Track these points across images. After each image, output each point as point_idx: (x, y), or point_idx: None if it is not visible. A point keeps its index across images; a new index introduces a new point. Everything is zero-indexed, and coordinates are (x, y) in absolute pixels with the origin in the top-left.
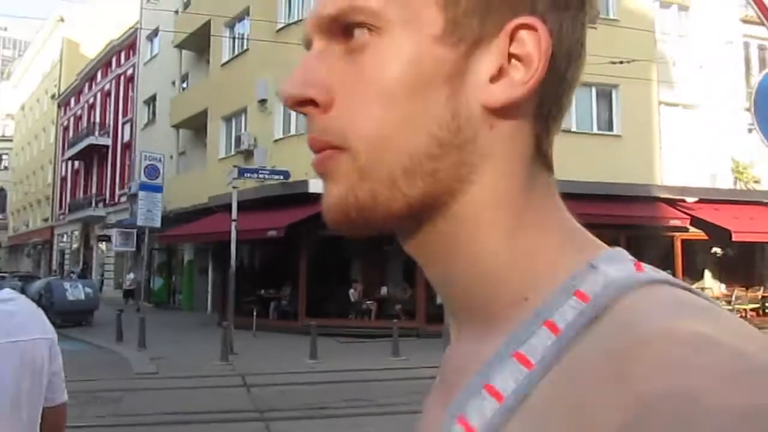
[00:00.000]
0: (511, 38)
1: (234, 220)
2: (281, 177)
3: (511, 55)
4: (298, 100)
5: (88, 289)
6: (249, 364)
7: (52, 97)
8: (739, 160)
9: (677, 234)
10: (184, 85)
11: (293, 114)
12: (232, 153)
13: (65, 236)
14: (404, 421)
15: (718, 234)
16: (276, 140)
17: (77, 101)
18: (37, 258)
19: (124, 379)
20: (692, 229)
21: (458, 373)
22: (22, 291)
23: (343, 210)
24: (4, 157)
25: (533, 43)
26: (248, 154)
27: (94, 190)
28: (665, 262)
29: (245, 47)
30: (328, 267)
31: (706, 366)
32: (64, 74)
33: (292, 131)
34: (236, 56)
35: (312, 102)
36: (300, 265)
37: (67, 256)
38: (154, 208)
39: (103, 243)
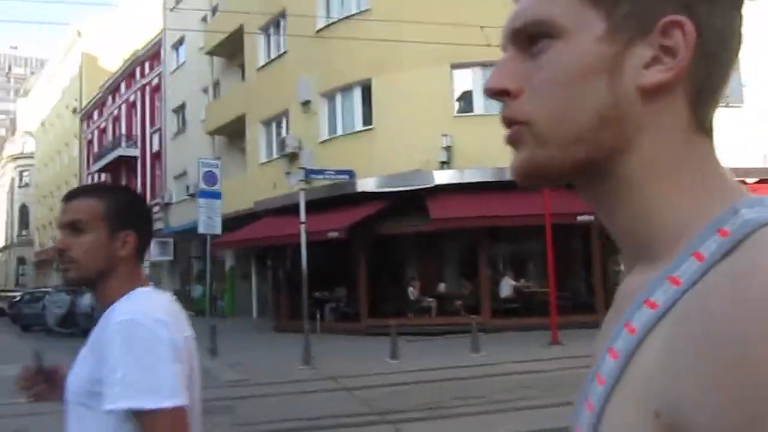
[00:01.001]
0: (662, 33)
1: (303, 223)
2: (347, 177)
3: (661, 47)
4: (496, 90)
5: None
6: (333, 367)
7: (74, 111)
8: None
9: None
10: (217, 91)
11: (338, 114)
12: (275, 156)
13: None
14: (532, 417)
15: None
16: (322, 141)
17: (100, 114)
18: None
19: (220, 388)
20: None
21: (627, 296)
22: (72, 303)
23: (526, 169)
24: (24, 174)
25: (679, 36)
26: (293, 157)
27: None
28: None
29: (283, 49)
30: (385, 266)
31: None
32: (85, 88)
33: (339, 132)
34: (274, 59)
35: (506, 91)
36: (359, 266)
37: None
38: (214, 214)
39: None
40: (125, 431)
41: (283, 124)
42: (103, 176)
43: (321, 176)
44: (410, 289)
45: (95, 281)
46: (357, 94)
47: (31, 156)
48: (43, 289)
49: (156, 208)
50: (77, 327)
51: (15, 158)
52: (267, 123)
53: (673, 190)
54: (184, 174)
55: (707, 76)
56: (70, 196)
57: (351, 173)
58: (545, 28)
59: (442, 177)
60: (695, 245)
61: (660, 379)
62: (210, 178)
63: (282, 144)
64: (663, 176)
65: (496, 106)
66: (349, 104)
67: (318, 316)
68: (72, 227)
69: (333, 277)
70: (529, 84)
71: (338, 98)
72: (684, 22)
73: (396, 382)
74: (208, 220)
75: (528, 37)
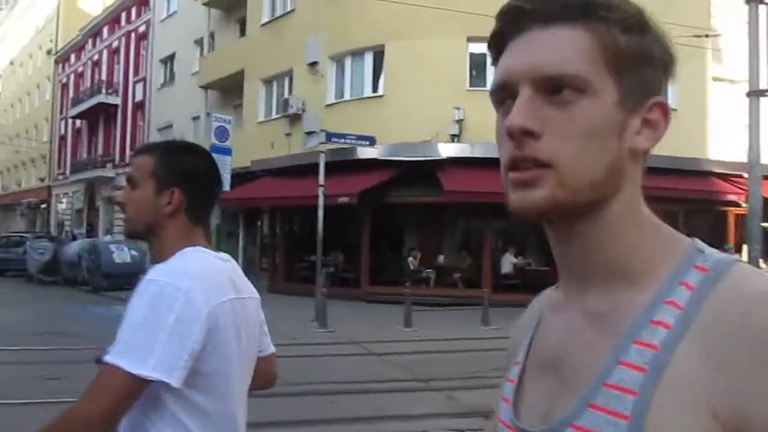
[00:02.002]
0: (649, 109)
1: (321, 185)
2: (367, 143)
3: (644, 120)
4: (523, 129)
5: (134, 252)
6: (350, 331)
7: (48, 52)
8: None
9: (730, 209)
10: (212, 44)
11: (347, 78)
12: (274, 116)
13: (65, 197)
14: None
15: None
16: (328, 105)
17: (78, 57)
18: (32, 218)
19: None
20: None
21: (600, 317)
22: (56, 251)
23: (544, 207)
24: None
25: (661, 114)
26: (295, 118)
27: (100, 151)
28: (720, 235)
29: (291, 7)
30: (385, 235)
31: None
32: (62, 29)
33: (346, 96)
34: (280, 16)
35: (530, 132)
36: (363, 233)
37: (67, 217)
38: (224, 171)
39: (114, 204)
40: (159, 399)
41: (285, 84)
42: (77, 122)
43: (342, 140)
44: (410, 259)
45: (146, 236)
46: (368, 60)
47: None
48: (21, 234)
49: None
50: (60, 275)
51: None
52: (268, 81)
53: (642, 226)
54: (169, 126)
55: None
56: (136, 153)
57: (372, 139)
58: (578, 83)
59: (452, 150)
60: (679, 276)
61: (712, 385)
62: (222, 133)
63: (285, 104)
64: (634, 215)
65: None
66: (359, 69)
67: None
68: (129, 182)
69: (328, 242)
70: (549, 128)
71: (348, 62)
72: (665, 103)
73: (421, 350)
74: None
75: (554, 86)
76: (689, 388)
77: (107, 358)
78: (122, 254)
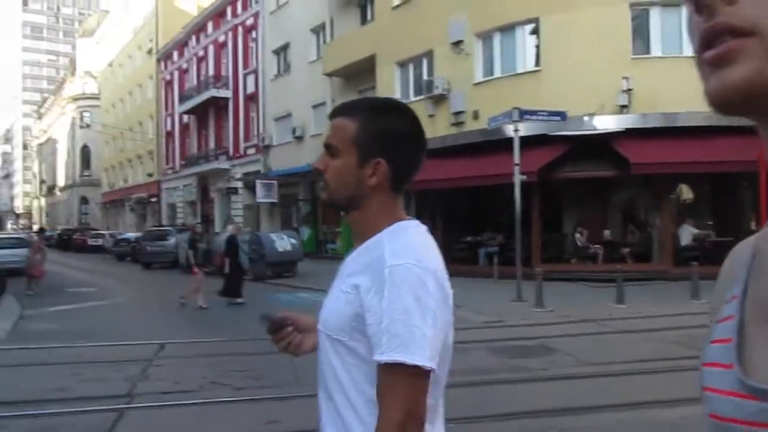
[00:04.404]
0: None
1: (517, 164)
2: (559, 118)
3: None
4: None
5: (293, 240)
6: (569, 310)
7: (149, 52)
8: None
9: None
10: (332, 32)
11: (497, 55)
12: (413, 99)
13: (176, 190)
14: None
15: None
16: (476, 83)
17: (181, 55)
18: (142, 212)
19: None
20: None
21: None
22: (207, 243)
23: (746, 86)
24: (85, 114)
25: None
26: (439, 99)
27: (211, 144)
28: None
29: None
30: (549, 212)
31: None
32: (161, 29)
33: (497, 73)
34: None
35: None
36: (533, 211)
37: (179, 210)
38: None
39: (231, 195)
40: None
41: (424, 65)
42: (185, 118)
43: (534, 117)
44: (577, 236)
45: (346, 207)
46: (520, 34)
47: (93, 97)
48: (163, 228)
49: (252, 150)
50: (213, 265)
51: (76, 99)
52: (402, 64)
53: None
54: (287, 115)
55: None
56: (332, 114)
57: (563, 115)
58: None
59: (622, 121)
60: None
61: None
62: None
63: (429, 85)
64: None
65: (674, 48)
66: (509, 45)
67: (494, 260)
68: (328, 148)
69: (482, 222)
70: None
71: (496, 38)
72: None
73: (681, 325)
74: None
75: None
76: None
77: (384, 357)
78: (283, 243)
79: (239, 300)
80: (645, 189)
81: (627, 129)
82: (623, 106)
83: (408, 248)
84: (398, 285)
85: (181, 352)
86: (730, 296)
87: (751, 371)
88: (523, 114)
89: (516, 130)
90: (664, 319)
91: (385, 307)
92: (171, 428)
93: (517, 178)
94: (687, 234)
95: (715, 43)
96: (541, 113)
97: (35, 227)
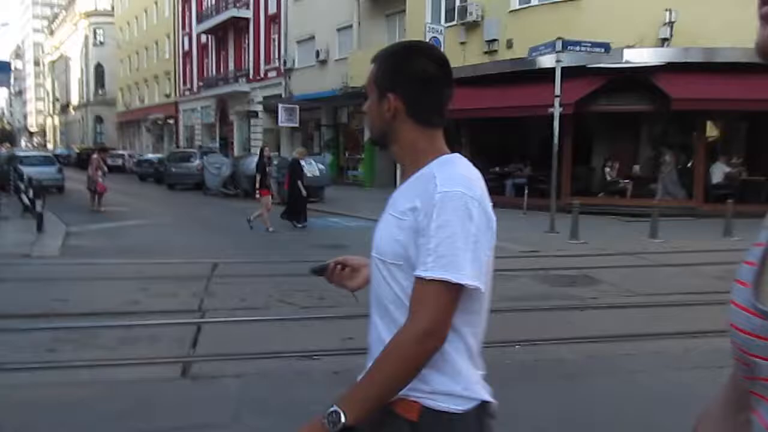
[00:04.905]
0: None
1: (557, 96)
2: (602, 49)
3: None
4: None
5: (321, 166)
6: (604, 243)
7: None
8: None
9: None
10: None
11: None
12: (444, 24)
13: (194, 112)
14: None
15: None
16: (512, 11)
17: None
18: (159, 133)
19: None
20: None
21: None
22: (235, 166)
23: None
24: (98, 32)
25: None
26: (473, 26)
27: (231, 66)
28: None
29: None
30: (578, 146)
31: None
32: None
33: (534, 2)
34: None
35: None
36: (563, 144)
37: (197, 131)
38: None
39: (251, 118)
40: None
41: None
42: (203, 38)
43: (577, 48)
44: (607, 170)
45: (384, 144)
46: None
47: (106, 13)
48: (187, 150)
49: (273, 73)
50: (240, 189)
51: (88, 15)
52: None
53: None
54: (310, 38)
55: None
56: (371, 61)
57: (607, 46)
58: None
59: (664, 55)
60: None
61: None
62: (435, 44)
63: (462, 11)
64: None
65: None
66: None
67: (525, 192)
68: (365, 93)
69: (509, 153)
70: None
71: None
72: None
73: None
74: None
75: None
76: None
77: (428, 274)
78: (311, 168)
79: (301, 224)
80: (678, 124)
81: (668, 63)
82: (664, 39)
83: (457, 177)
84: (447, 210)
85: (237, 271)
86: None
87: (762, 294)
88: (566, 45)
89: (558, 61)
90: (701, 255)
91: (433, 229)
92: (251, 341)
93: (557, 111)
94: (719, 171)
95: None
96: (585, 44)
97: (49, 145)
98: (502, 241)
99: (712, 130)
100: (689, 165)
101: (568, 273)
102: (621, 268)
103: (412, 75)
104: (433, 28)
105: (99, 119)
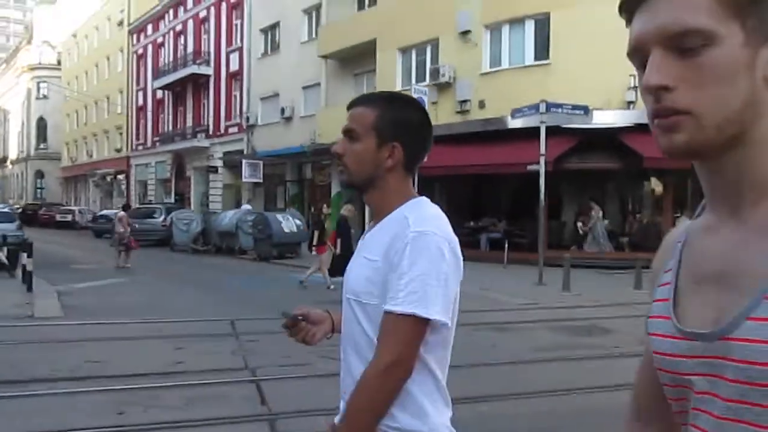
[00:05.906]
0: None
1: (542, 155)
2: (582, 112)
3: None
4: (659, 86)
5: (298, 222)
6: (596, 295)
7: (119, 24)
8: None
9: None
10: (328, 14)
11: (504, 45)
12: (415, 85)
13: (148, 167)
14: None
15: None
16: (483, 73)
17: (156, 28)
18: (108, 189)
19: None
20: None
21: (734, 261)
22: (205, 223)
23: (687, 149)
24: (41, 85)
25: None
26: (445, 86)
27: (189, 122)
28: None
29: None
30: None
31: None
32: (133, 1)
33: (504, 65)
34: None
35: (665, 87)
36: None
37: (150, 187)
38: None
39: (211, 174)
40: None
41: (428, 53)
42: (161, 93)
43: (559, 110)
44: (579, 224)
45: (364, 188)
46: (530, 27)
47: (52, 67)
48: (151, 206)
49: (234, 129)
50: (212, 245)
51: (32, 68)
52: (405, 50)
53: None
54: (274, 96)
55: None
56: (351, 104)
57: (586, 109)
58: (703, 36)
59: (630, 117)
60: None
61: None
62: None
63: (435, 73)
64: None
65: None
66: (518, 37)
67: (506, 246)
68: (348, 134)
69: (483, 208)
70: (682, 81)
71: (505, 30)
72: None
73: None
74: None
75: (681, 42)
76: None
77: (398, 308)
78: (289, 224)
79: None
80: (643, 181)
81: (635, 124)
82: (630, 102)
83: (428, 218)
84: (420, 249)
85: (259, 328)
86: (667, 268)
87: (682, 320)
88: (550, 106)
89: (542, 122)
90: None
91: (405, 266)
92: (317, 396)
93: (542, 168)
94: (683, 226)
95: (662, 114)
96: (566, 106)
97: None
98: (499, 294)
99: (679, 186)
100: (658, 220)
101: (577, 324)
102: (628, 318)
103: (412, 126)
104: (417, 89)
105: (40, 173)
